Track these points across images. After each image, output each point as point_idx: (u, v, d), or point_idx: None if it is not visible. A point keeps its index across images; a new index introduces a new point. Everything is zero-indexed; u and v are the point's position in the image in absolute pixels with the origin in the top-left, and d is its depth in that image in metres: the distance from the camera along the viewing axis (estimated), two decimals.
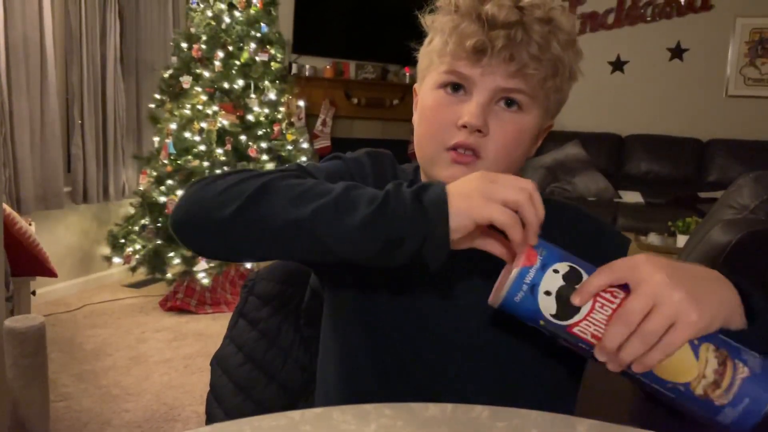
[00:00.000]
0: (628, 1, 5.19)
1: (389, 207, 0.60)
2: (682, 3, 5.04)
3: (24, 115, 3.05)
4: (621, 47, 5.25)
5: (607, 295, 0.56)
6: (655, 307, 0.54)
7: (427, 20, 0.77)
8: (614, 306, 0.56)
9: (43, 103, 3.18)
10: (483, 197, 0.58)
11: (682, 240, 3.07)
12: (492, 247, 0.63)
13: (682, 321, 0.53)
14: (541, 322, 0.58)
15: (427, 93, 0.76)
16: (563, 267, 0.58)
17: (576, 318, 0.56)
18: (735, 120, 4.93)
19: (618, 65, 5.29)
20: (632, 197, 4.69)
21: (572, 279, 0.57)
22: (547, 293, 0.57)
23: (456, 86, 0.73)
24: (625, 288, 0.57)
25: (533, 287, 0.57)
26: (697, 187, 4.65)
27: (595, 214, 0.87)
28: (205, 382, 0.99)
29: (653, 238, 3.32)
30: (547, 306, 0.57)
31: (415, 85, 0.83)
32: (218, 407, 0.98)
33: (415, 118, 0.80)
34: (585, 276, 0.57)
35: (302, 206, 0.63)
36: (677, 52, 5.10)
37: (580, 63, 0.77)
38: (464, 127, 0.71)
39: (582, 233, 0.81)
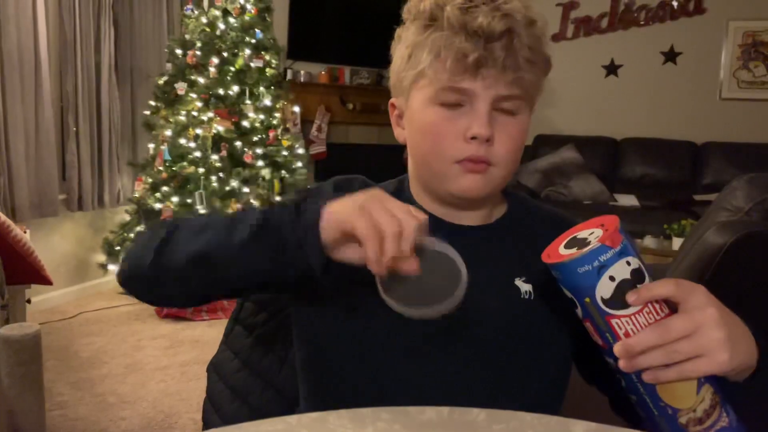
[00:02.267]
0: (621, 5, 5.22)
1: (271, 220, 0.66)
2: (675, 7, 5.07)
3: (19, 123, 3.05)
4: (615, 51, 5.28)
5: (657, 306, 0.58)
6: (693, 334, 0.55)
7: (402, 32, 0.78)
8: (658, 317, 0.57)
9: (38, 111, 3.17)
10: (356, 209, 0.60)
11: (677, 243, 3.08)
12: (351, 253, 0.64)
13: (711, 357, 0.55)
14: (587, 300, 0.59)
15: (421, 110, 0.76)
16: (635, 262, 0.58)
17: (621, 312, 0.58)
18: (729, 123, 4.95)
19: (612, 69, 5.31)
20: (627, 200, 4.71)
21: (637, 276, 0.58)
22: (611, 278, 0.58)
23: (453, 103, 0.73)
24: (672, 306, 0.58)
25: (602, 268, 0.58)
26: (692, 190, 4.67)
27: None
28: (201, 389, 0.98)
29: (649, 241, 3.33)
30: (604, 290, 0.58)
31: (393, 100, 0.83)
32: (215, 414, 0.97)
33: (410, 135, 0.80)
34: (647, 279, 0.59)
35: (199, 238, 0.68)
36: (671, 56, 5.12)
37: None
38: (473, 138, 0.72)
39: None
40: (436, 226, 0.77)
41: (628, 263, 0.58)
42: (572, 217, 0.86)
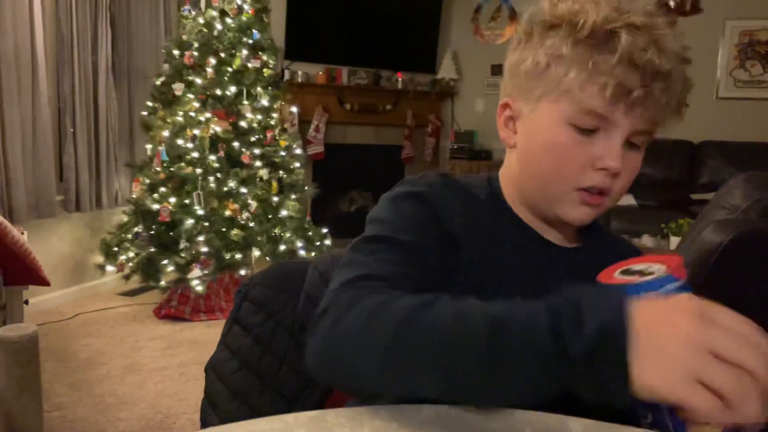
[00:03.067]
0: None
1: (554, 368, 0.51)
2: (672, 6, 5.08)
3: (16, 124, 3.04)
4: None
5: None
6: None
7: (535, 33, 0.73)
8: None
9: (35, 112, 3.17)
10: (684, 379, 0.46)
11: (675, 242, 3.08)
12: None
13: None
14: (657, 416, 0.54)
15: (551, 126, 0.72)
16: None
17: None
18: (726, 122, 4.96)
19: None
20: (625, 200, 4.71)
21: None
22: None
23: (591, 129, 0.70)
24: None
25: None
26: (689, 189, 4.68)
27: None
28: (200, 390, 0.98)
29: (646, 240, 3.34)
30: None
31: (509, 100, 0.79)
32: (213, 414, 0.97)
33: (528, 147, 0.76)
34: None
35: (444, 372, 0.54)
36: None
37: None
38: (602, 169, 0.70)
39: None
40: (534, 240, 0.78)
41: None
42: (626, 239, 0.89)
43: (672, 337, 0.47)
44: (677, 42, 0.68)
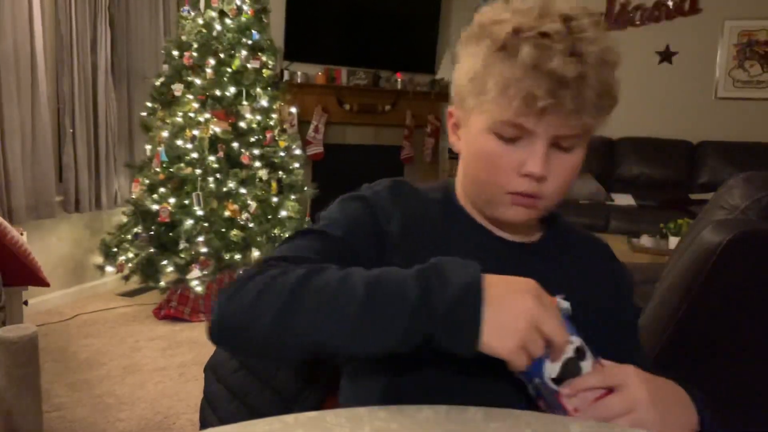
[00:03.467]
0: (617, 5, 5.23)
1: (414, 331, 0.62)
2: (671, 6, 5.08)
3: (15, 124, 3.04)
4: None
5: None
6: (629, 412, 0.64)
7: (466, 49, 0.76)
8: (598, 394, 0.65)
9: (34, 113, 3.17)
10: (517, 345, 0.61)
11: (674, 242, 3.08)
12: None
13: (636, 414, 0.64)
14: (537, 380, 0.65)
15: (479, 135, 0.75)
16: (577, 340, 0.65)
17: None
18: (725, 122, 4.96)
19: None
20: (624, 200, 4.71)
21: (579, 354, 0.65)
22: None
23: (514, 137, 0.73)
24: None
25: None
26: (688, 189, 4.68)
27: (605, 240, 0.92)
28: (199, 390, 0.98)
29: (645, 241, 3.34)
30: (551, 370, 0.64)
31: (452, 108, 0.82)
32: (213, 414, 0.98)
33: (466, 154, 0.80)
34: (588, 354, 0.65)
35: (331, 322, 0.64)
36: (666, 56, 5.13)
37: None
38: (526, 175, 0.73)
39: (597, 269, 0.86)
40: (486, 237, 0.82)
41: (571, 342, 0.64)
42: (600, 238, 0.91)
43: (514, 311, 0.62)
44: (595, 46, 0.68)
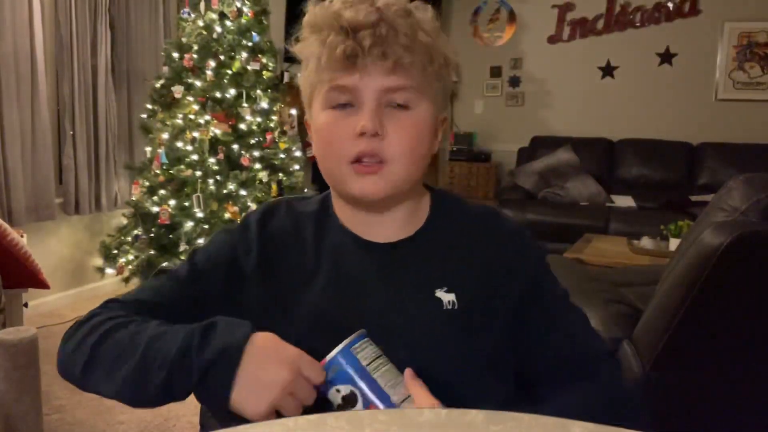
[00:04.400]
0: (617, 6, 5.23)
1: (174, 384, 0.67)
2: (671, 8, 5.09)
3: (15, 126, 3.04)
4: (611, 53, 5.29)
5: None
6: None
7: (296, 49, 0.78)
8: None
9: (34, 114, 3.17)
10: (269, 408, 0.65)
11: (674, 243, 3.08)
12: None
13: None
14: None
15: (318, 116, 0.76)
16: (345, 389, 0.67)
17: None
18: (725, 123, 4.96)
19: (608, 70, 5.32)
20: (624, 201, 4.72)
21: (347, 403, 0.67)
22: (337, 391, 0.68)
23: (343, 104, 0.74)
24: None
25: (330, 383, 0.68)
26: (689, 191, 4.68)
27: (514, 220, 0.87)
28: None
29: (646, 242, 3.34)
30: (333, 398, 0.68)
31: (306, 118, 0.82)
32: (213, 417, 0.97)
33: (314, 144, 0.80)
34: (359, 401, 0.66)
35: (112, 379, 0.70)
36: (666, 57, 5.14)
37: (459, 54, 0.81)
38: (362, 134, 0.71)
39: (493, 250, 0.81)
40: (354, 244, 0.80)
41: (338, 390, 0.67)
42: (497, 210, 0.87)
43: (266, 380, 0.65)
44: (394, 5, 0.72)
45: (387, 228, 0.80)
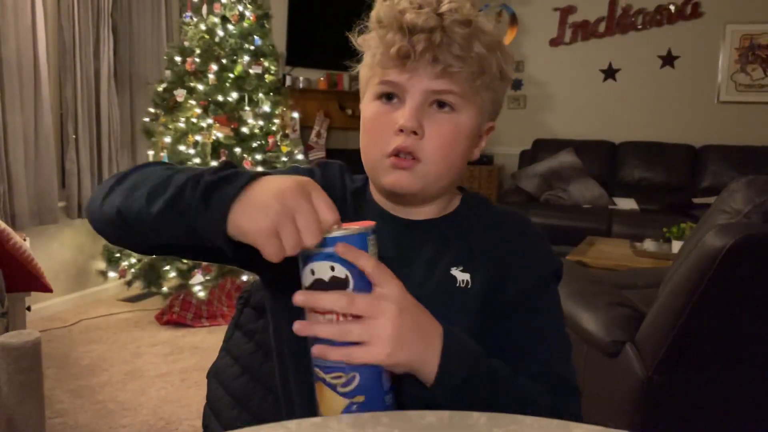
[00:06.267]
0: (619, 9, 5.23)
1: (185, 197, 0.63)
2: (673, 10, 5.09)
3: (18, 130, 3.05)
4: (613, 55, 5.29)
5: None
6: (369, 319, 0.60)
7: (359, 41, 0.81)
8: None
9: (37, 118, 3.18)
10: (269, 228, 0.58)
11: (677, 246, 3.08)
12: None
13: (372, 347, 0.60)
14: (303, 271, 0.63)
15: (366, 106, 0.80)
16: (341, 271, 0.61)
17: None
18: (727, 126, 4.96)
19: (610, 73, 5.32)
20: (627, 204, 4.71)
21: (334, 284, 0.61)
22: (312, 272, 0.62)
23: (390, 95, 0.77)
24: None
25: (306, 258, 0.62)
26: (691, 193, 4.68)
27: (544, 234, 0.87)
28: (202, 396, 0.98)
29: (648, 245, 3.33)
30: (304, 279, 0.62)
31: (360, 104, 0.85)
32: (215, 420, 0.97)
33: (360, 134, 0.82)
34: (350, 288, 0.61)
35: (128, 197, 0.69)
36: (668, 60, 5.14)
37: (514, 66, 0.82)
38: (401, 131, 0.74)
39: (509, 249, 0.81)
40: (385, 220, 0.82)
41: (332, 268, 0.61)
42: (525, 215, 0.88)
43: (269, 191, 0.59)
44: (452, 7, 0.73)
45: (419, 215, 0.83)
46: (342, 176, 0.88)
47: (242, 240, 0.60)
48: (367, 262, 0.61)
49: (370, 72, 0.79)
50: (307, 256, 0.61)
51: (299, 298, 0.61)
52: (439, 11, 0.73)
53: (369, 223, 0.65)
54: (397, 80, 0.75)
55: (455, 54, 0.72)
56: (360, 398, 0.62)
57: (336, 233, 0.61)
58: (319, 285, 0.62)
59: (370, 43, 0.78)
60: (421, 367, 0.63)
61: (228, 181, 0.62)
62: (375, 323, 0.60)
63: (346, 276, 0.61)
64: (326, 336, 0.60)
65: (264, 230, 0.58)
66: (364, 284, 0.62)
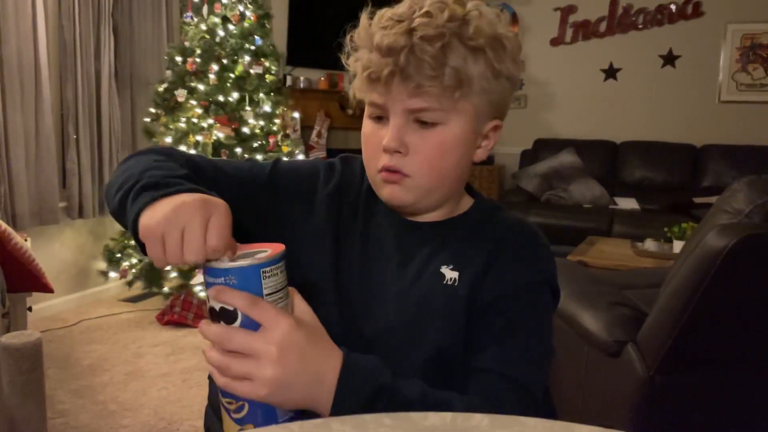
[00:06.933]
0: (619, 8, 5.23)
1: (127, 197, 0.69)
2: (674, 10, 5.08)
3: (19, 130, 3.05)
4: (613, 55, 5.29)
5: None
6: (249, 358, 0.61)
7: (348, 62, 0.82)
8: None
9: (38, 119, 3.18)
10: (157, 236, 0.60)
11: (678, 246, 3.08)
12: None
13: (253, 386, 0.61)
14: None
15: (364, 123, 0.82)
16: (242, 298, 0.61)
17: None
18: (728, 125, 4.95)
19: (611, 73, 5.32)
20: (628, 204, 4.71)
21: (226, 316, 0.62)
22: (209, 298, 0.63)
23: (379, 117, 0.79)
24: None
25: (208, 284, 0.63)
26: (692, 193, 4.67)
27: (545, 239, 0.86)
28: (203, 396, 0.98)
29: (650, 245, 3.33)
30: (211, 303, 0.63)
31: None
32: (217, 421, 0.97)
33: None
34: (238, 321, 0.61)
35: (116, 188, 0.73)
36: (669, 59, 5.13)
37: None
38: (386, 150, 0.76)
39: (507, 255, 0.81)
40: (393, 220, 0.85)
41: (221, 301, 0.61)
42: (533, 226, 0.86)
43: (176, 201, 0.62)
44: (433, 21, 0.72)
45: (428, 217, 0.85)
46: (363, 173, 0.88)
47: (142, 240, 0.63)
48: (244, 303, 0.60)
49: (359, 90, 0.80)
50: (206, 281, 0.62)
51: (200, 323, 0.64)
52: (411, 26, 0.72)
53: (276, 251, 0.62)
54: (379, 101, 0.77)
55: (426, 73, 0.71)
56: (249, 426, 0.62)
57: (226, 264, 0.60)
58: (211, 313, 0.62)
59: (353, 64, 0.80)
60: (311, 405, 0.63)
61: (158, 187, 0.66)
62: (254, 363, 0.60)
63: (235, 309, 0.60)
64: (210, 363, 0.63)
65: (152, 232, 0.61)
66: (254, 324, 0.61)
